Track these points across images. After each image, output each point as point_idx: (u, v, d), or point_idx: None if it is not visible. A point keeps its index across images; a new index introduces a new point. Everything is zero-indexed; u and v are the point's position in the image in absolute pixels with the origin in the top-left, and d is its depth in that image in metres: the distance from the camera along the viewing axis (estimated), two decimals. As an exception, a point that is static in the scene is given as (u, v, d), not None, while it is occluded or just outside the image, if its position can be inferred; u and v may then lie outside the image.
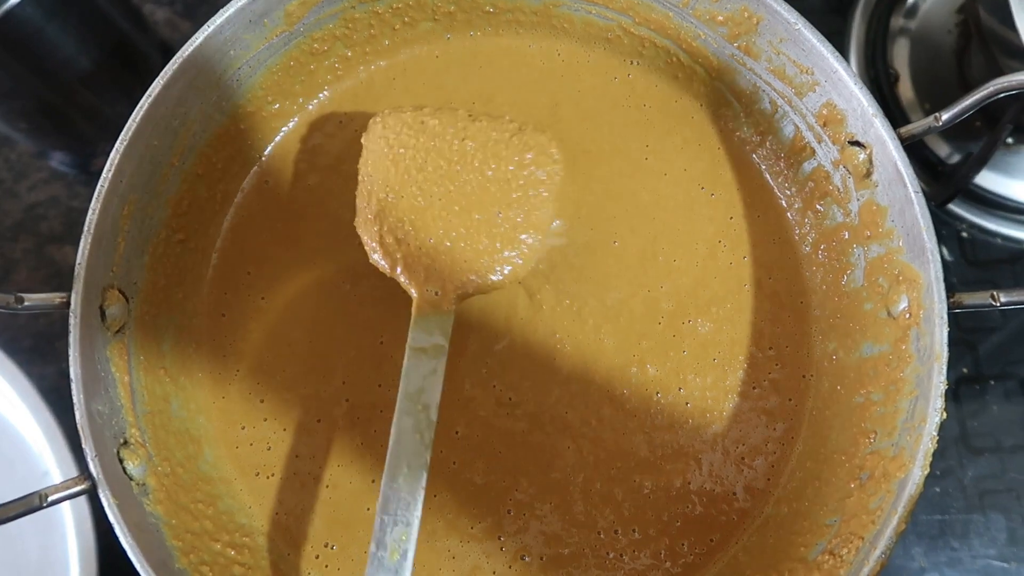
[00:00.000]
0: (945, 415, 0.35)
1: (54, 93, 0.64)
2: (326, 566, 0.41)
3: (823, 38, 0.38)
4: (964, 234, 0.58)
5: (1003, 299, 0.36)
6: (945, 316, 0.36)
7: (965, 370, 0.55)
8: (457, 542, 0.41)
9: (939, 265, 0.36)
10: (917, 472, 0.34)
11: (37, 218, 0.71)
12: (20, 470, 0.56)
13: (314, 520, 0.41)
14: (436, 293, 0.39)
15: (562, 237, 0.44)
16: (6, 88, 0.59)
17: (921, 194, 0.37)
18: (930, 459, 0.34)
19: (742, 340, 0.43)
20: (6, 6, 0.53)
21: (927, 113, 0.60)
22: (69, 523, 0.53)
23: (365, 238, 0.40)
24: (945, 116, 0.37)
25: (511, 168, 0.40)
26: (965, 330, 0.56)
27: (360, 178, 0.41)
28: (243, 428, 0.43)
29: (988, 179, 0.58)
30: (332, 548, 0.41)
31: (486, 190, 0.40)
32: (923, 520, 0.53)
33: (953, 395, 0.55)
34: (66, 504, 0.54)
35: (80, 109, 0.67)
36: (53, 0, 0.55)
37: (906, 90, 0.60)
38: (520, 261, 0.40)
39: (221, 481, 0.41)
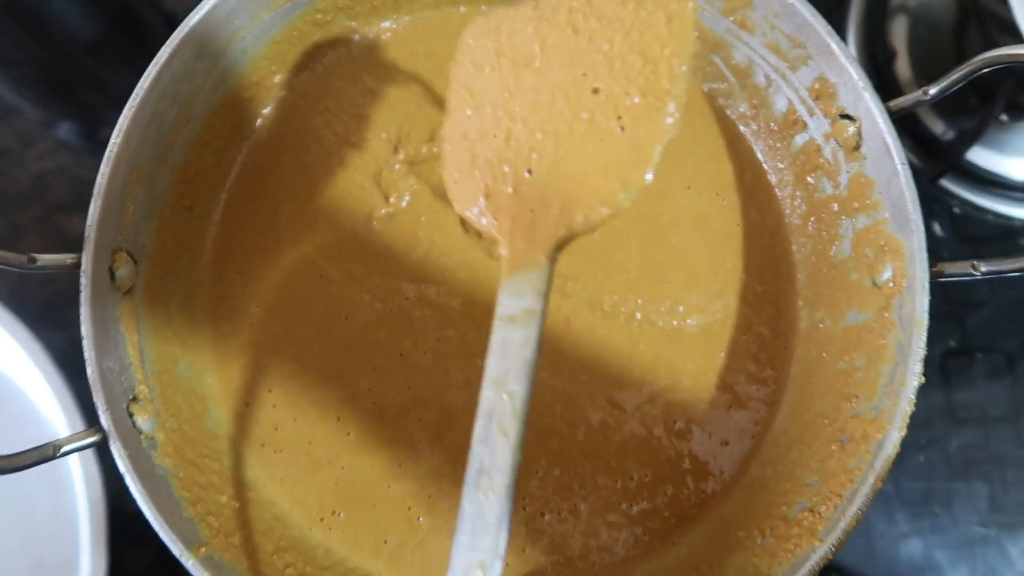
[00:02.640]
0: (924, 379, 0.36)
1: (60, 62, 0.64)
2: (330, 528, 0.43)
3: (816, 13, 0.39)
4: (956, 210, 0.59)
5: (984, 268, 0.37)
6: (927, 285, 0.37)
7: (953, 343, 0.57)
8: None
9: (923, 236, 0.37)
10: (895, 434, 0.35)
11: (45, 187, 0.72)
12: (31, 432, 0.58)
13: (324, 492, 0.43)
14: (531, 241, 0.32)
15: None
16: (13, 56, 0.60)
17: (907, 166, 0.38)
18: (907, 421, 0.36)
19: (730, 320, 0.44)
20: (14, -26, 0.54)
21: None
22: (78, 478, 0.54)
23: (460, 190, 0.33)
24: (933, 90, 0.38)
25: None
26: (953, 304, 0.57)
27: (450, 111, 0.34)
28: (247, 405, 0.44)
29: (981, 156, 0.59)
30: (340, 516, 0.43)
31: (601, 91, 0.31)
32: (907, 487, 0.55)
33: (940, 368, 0.56)
34: (75, 460, 0.56)
35: (86, 79, 0.68)
36: (60, -31, 0.56)
37: (903, 68, 0.60)
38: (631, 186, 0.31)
39: (227, 439, 0.43)
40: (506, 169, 0.32)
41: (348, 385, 0.44)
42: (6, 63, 0.60)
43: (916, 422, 0.56)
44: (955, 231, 0.58)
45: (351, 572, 0.42)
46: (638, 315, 0.45)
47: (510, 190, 0.32)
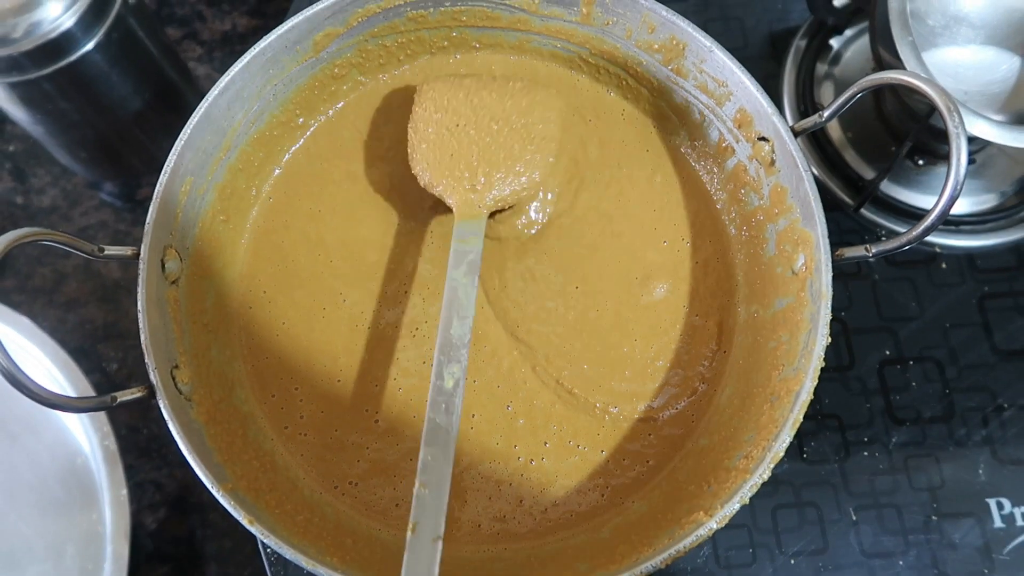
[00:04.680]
0: (830, 340, 0.43)
1: (111, 128, 0.75)
2: (343, 495, 0.49)
3: (732, 56, 0.49)
4: (884, 238, 0.67)
5: (874, 250, 0.45)
6: (830, 264, 0.45)
7: (888, 352, 0.64)
8: None
9: (824, 226, 0.45)
10: (809, 384, 0.43)
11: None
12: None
13: (346, 467, 0.49)
14: (472, 197, 0.50)
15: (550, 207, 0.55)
16: (73, 119, 0.70)
17: (810, 172, 0.47)
18: (818, 374, 0.43)
19: (682, 318, 0.52)
20: (81, 51, 0.65)
21: (850, 141, 0.71)
22: (105, 492, 0.61)
23: (417, 169, 0.51)
24: (826, 113, 0.47)
25: (521, 114, 0.52)
26: (887, 320, 0.65)
27: (411, 127, 0.52)
28: (273, 396, 0.51)
29: (904, 194, 0.68)
30: (355, 485, 0.49)
31: (506, 127, 0.52)
32: (855, 480, 0.60)
33: (878, 374, 0.63)
34: (104, 479, 0.63)
35: (130, 145, 0.78)
36: (118, 49, 0.67)
37: (832, 124, 0.71)
38: (532, 176, 0.51)
39: (251, 416, 0.50)
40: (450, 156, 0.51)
41: (375, 380, 0.51)
42: (68, 125, 0.71)
43: (859, 422, 0.63)
44: (885, 257, 0.66)
45: (356, 529, 0.48)
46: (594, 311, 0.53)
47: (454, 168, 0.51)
